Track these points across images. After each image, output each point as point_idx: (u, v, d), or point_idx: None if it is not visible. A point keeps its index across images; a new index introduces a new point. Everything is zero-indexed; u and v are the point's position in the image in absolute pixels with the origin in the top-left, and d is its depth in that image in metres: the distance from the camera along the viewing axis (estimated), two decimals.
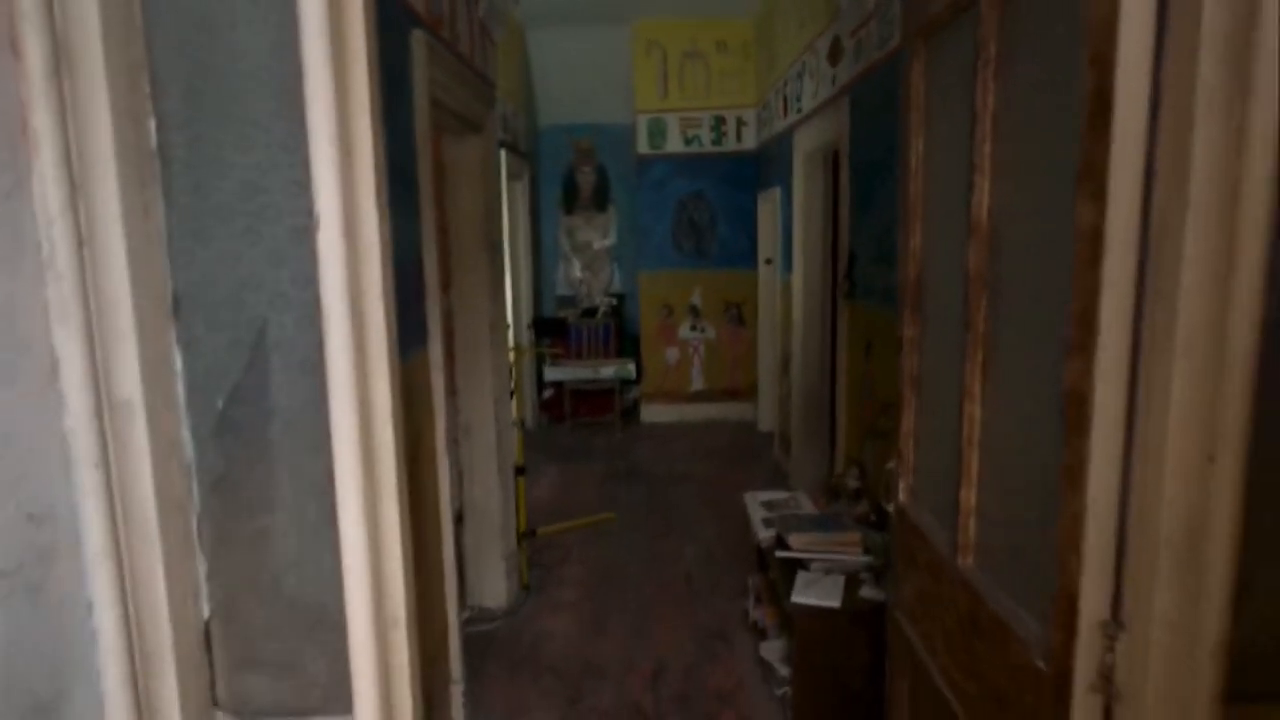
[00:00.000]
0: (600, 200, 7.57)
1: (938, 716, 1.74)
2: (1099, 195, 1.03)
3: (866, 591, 2.50)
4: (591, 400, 6.78)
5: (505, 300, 3.83)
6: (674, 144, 6.53)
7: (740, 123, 6.42)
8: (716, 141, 6.50)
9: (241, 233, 1.03)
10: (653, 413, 6.91)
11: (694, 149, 6.52)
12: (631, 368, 6.72)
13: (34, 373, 0.86)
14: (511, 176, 5.85)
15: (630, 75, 6.49)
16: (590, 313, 7.18)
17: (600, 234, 7.63)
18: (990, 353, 1.50)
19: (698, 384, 6.91)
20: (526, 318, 6.37)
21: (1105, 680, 1.11)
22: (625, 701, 2.86)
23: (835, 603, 2.44)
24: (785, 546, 2.75)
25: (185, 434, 1.05)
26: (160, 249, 1.01)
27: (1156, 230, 0.98)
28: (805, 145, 4.55)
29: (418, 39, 2.28)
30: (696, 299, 6.82)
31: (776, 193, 5.53)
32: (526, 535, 4.07)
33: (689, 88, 6.44)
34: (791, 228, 4.93)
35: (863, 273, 3.43)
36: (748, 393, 6.77)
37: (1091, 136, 1.05)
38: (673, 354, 6.89)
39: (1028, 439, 1.36)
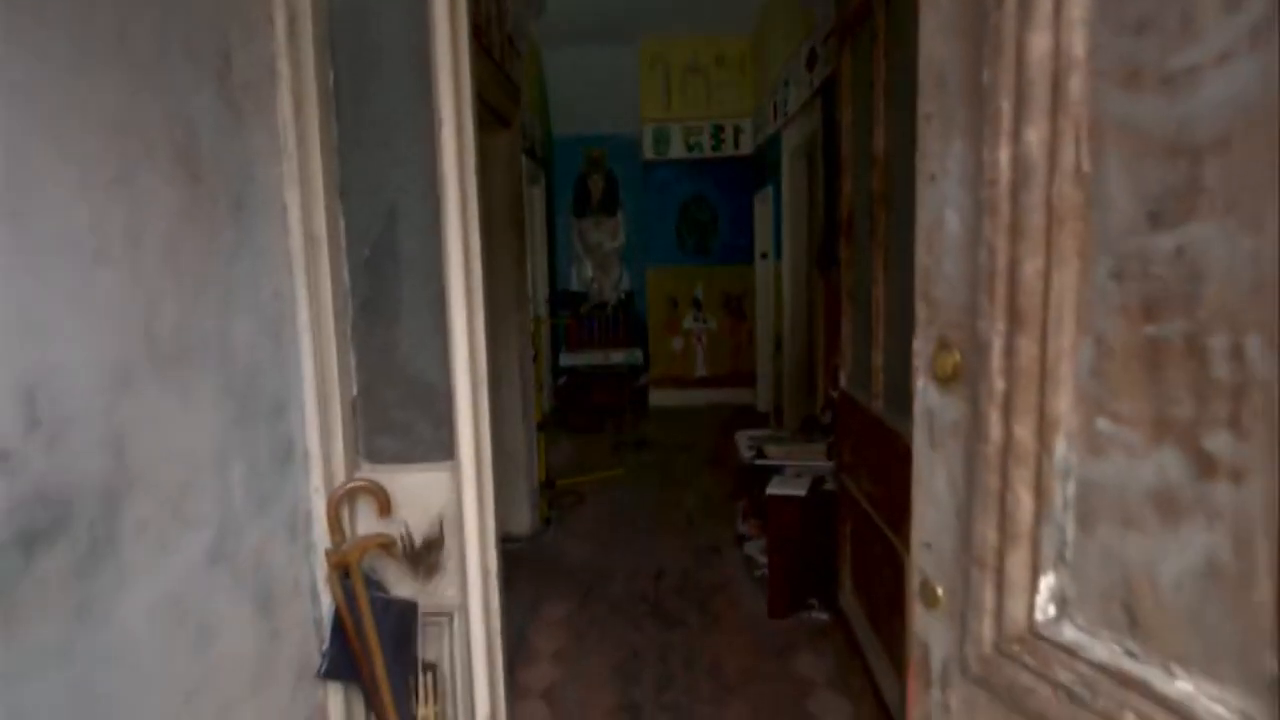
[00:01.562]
0: (610, 205, 8.20)
1: (866, 535, 2.31)
2: None
3: (828, 487, 3.06)
4: (603, 385, 7.37)
5: (529, 271, 4.44)
6: (677, 150, 7.18)
7: (737, 130, 7.06)
8: (716, 147, 7.14)
9: (381, 143, 1.64)
10: (660, 397, 7.49)
11: (696, 154, 7.17)
12: (640, 354, 7.32)
13: (275, 213, 1.47)
14: (529, 181, 6.49)
15: (637, 89, 7.16)
16: (601, 307, 7.80)
17: (610, 236, 8.26)
18: (888, 252, 2.09)
19: (701, 370, 7.49)
20: (543, 308, 6.99)
21: None
22: (631, 593, 3.43)
23: (801, 492, 3.01)
24: (763, 456, 3.32)
25: (345, 270, 1.65)
26: (333, 152, 1.62)
27: None
28: (791, 143, 5.17)
29: None
30: (699, 293, 7.43)
31: (770, 191, 6.15)
32: (546, 485, 4.65)
33: (690, 99, 7.10)
34: (781, 218, 5.54)
35: (834, 244, 4.02)
36: (747, 379, 7.35)
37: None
38: (678, 343, 7.49)
39: (907, 302, 1.95)
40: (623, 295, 7.88)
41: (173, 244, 1.15)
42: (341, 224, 1.65)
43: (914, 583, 0.97)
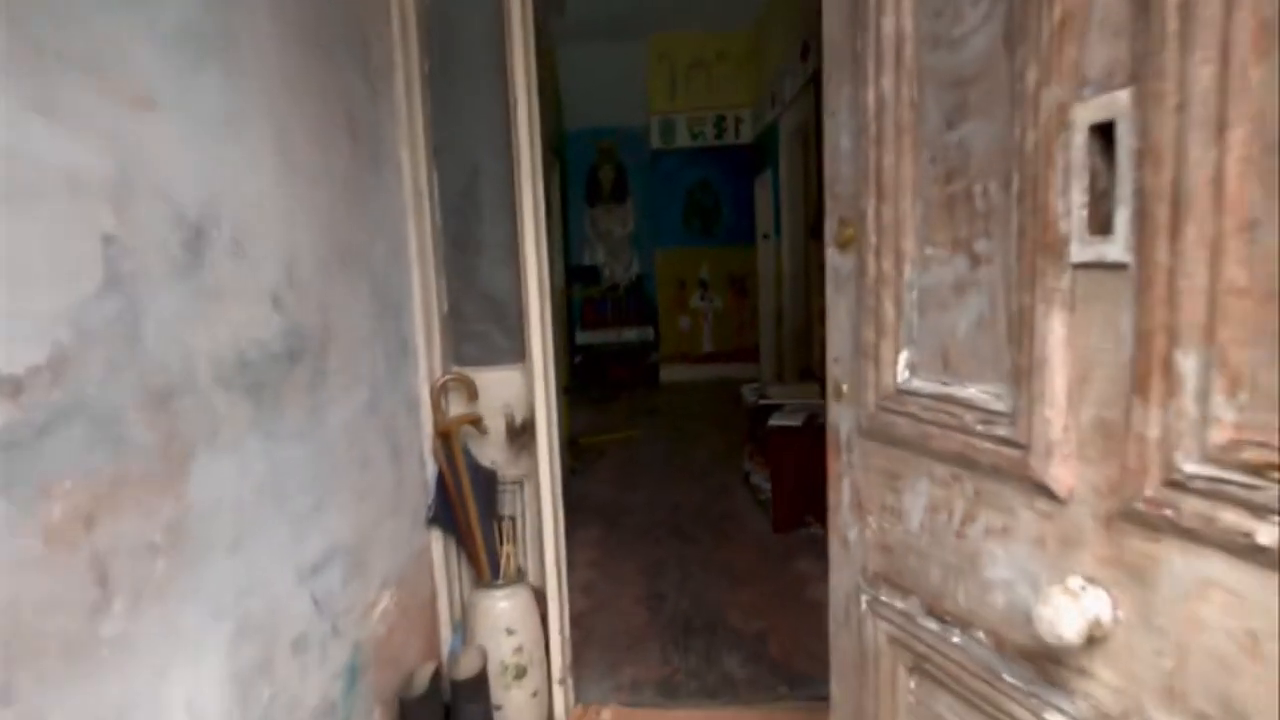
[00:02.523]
0: (619, 193, 8.68)
1: None
2: None
3: (821, 420, 3.54)
4: (617, 362, 7.86)
5: (552, 243, 4.93)
6: (682, 139, 7.67)
7: (738, 120, 7.54)
8: (719, 136, 7.62)
9: (465, 114, 2.12)
10: (670, 373, 7.98)
11: (700, 143, 7.65)
12: (651, 332, 7.81)
13: (393, 168, 1.95)
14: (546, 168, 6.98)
15: (644, 83, 7.64)
16: (614, 289, 8.29)
17: (620, 223, 8.74)
18: None
19: (708, 346, 7.98)
20: (559, 279, 7.47)
21: None
22: (652, 520, 3.91)
23: (798, 423, 3.49)
24: (766, 397, 3.80)
25: (438, 213, 2.14)
26: (430, 122, 2.10)
27: None
28: (788, 129, 5.65)
29: None
30: (705, 273, 7.91)
31: (769, 176, 6.62)
32: (570, 443, 5.13)
33: (695, 92, 7.58)
34: (780, 200, 6.02)
35: (824, 210, 4.49)
36: (751, 354, 7.82)
37: None
38: (685, 322, 7.97)
39: None
40: (633, 277, 8.37)
41: (346, 182, 1.64)
42: (436, 178, 2.13)
43: (829, 389, 1.35)
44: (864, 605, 1.23)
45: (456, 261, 2.17)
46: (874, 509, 1.22)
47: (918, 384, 1.10)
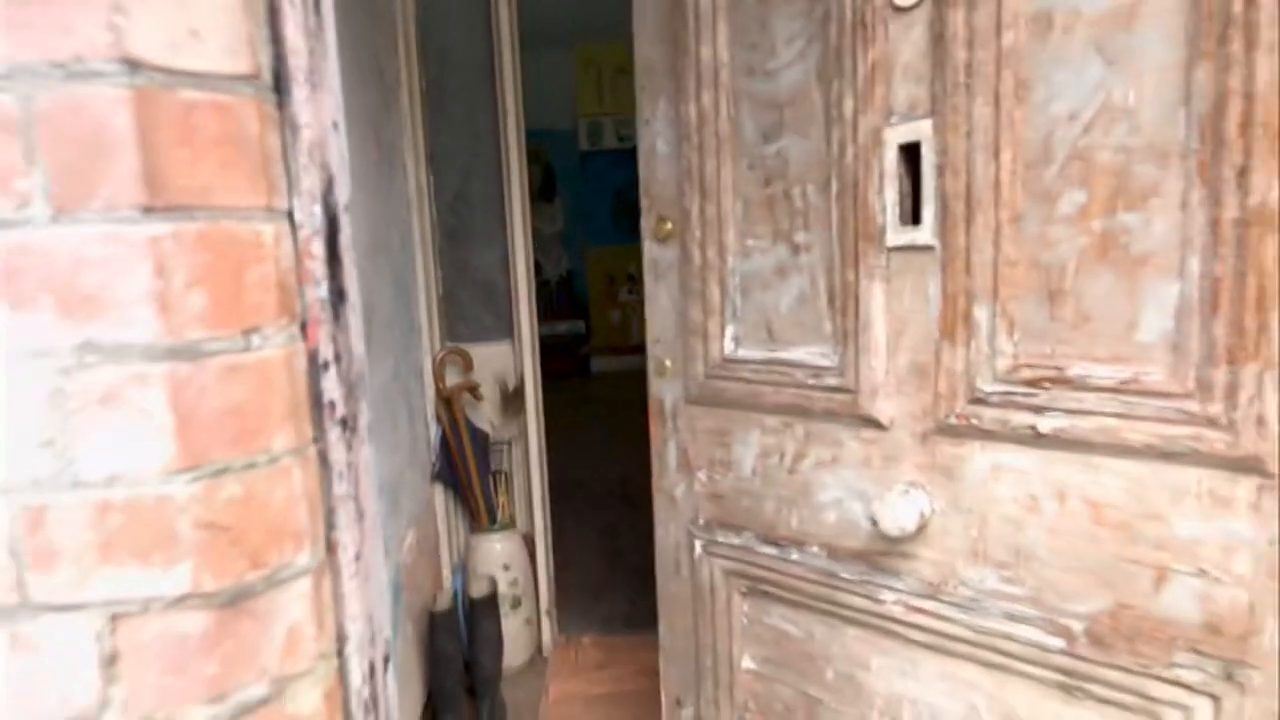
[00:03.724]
0: (548, 193, 8.97)
1: None
2: None
3: None
4: (550, 354, 8.15)
5: None
6: (610, 142, 8.04)
7: None
8: None
9: (460, 125, 2.44)
10: (601, 364, 8.35)
11: (627, 145, 8.03)
12: (582, 325, 8.16)
13: (399, 170, 2.26)
14: None
15: (572, 88, 7.97)
16: (545, 284, 8.58)
17: (549, 221, 9.02)
18: None
19: (636, 338, 8.38)
20: None
21: None
22: (603, 492, 4.29)
23: None
24: None
25: (435, 211, 2.45)
26: (427, 130, 2.41)
27: None
28: None
29: None
30: (633, 269, 8.31)
31: None
32: None
33: (621, 96, 7.96)
34: None
35: None
36: None
37: None
38: (616, 315, 8.36)
39: None
40: (563, 273, 8.69)
41: (375, 185, 1.94)
42: (431, 180, 2.44)
43: (652, 368, 1.36)
44: (698, 550, 1.30)
45: (451, 252, 2.49)
46: (703, 465, 1.28)
47: (744, 353, 1.19)
